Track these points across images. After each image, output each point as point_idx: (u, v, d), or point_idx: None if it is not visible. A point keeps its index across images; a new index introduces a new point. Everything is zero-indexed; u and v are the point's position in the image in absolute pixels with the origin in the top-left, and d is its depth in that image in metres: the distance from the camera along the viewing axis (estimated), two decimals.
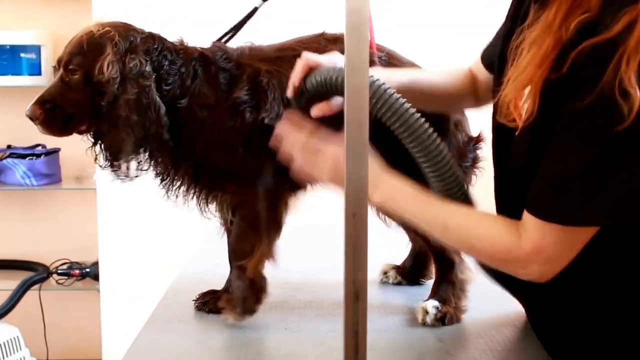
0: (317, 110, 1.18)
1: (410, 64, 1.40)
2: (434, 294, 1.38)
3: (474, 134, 1.40)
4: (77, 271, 3.03)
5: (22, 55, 3.00)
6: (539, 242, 1.01)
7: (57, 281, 3.05)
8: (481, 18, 2.55)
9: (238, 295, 1.33)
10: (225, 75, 1.30)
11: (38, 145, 3.11)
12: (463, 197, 1.11)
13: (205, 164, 1.30)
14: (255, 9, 1.45)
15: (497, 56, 1.19)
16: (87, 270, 3.02)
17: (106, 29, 1.26)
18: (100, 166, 1.30)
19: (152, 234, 2.82)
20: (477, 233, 1.07)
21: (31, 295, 2.96)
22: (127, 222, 2.83)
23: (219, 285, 1.43)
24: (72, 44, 1.27)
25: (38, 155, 3.07)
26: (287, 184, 1.36)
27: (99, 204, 2.84)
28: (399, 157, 1.12)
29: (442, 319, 1.33)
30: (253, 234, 1.32)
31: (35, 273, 3.00)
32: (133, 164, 1.29)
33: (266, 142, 1.28)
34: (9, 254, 3.22)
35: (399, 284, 1.58)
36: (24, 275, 2.96)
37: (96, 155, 1.31)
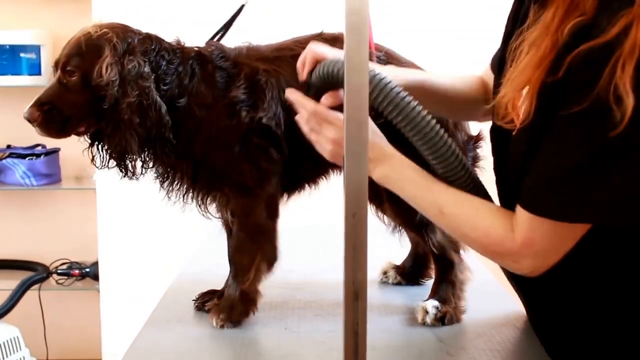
0: (324, 101, 1.18)
1: (410, 64, 1.40)
2: (433, 294, 1.38)
3: (474, 133, 1.40)
4: (76, 271, 3.03)
5: (22, 55, 3.00)
6: (530, 236, 1.02)
7: (56, 281, 3.05)
8: (480, 22, 2.56)
9: (226, 304, 1.33)
10: (223, 74, 1.30)
11: (38, 145, 3.11)
12: (472, 184, 1.12)
13: (204, 163, 1.30)
14: (242, 7, 1.45)
15: (498, 58, 1.20)
16: (87, 270, 3.02)
17: (104, 31, 1.25)
18: (97, 167, 1.30)
19: (152, 234, 2.82)
20: (472, 223, 1.09)
21: (31, 295, 2.96)
22: (127, 222, 2.83)
23: (219, 285, 1.43)
24: (69, 45, 1.27)
25: (38, 155, 3.07)
26: (286, 186, 1.37)
27: (99, 204, 2.84)
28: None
29: (442, 319, 1.33)
30: (252, 245, 1.33)
31: (35, 273, 3.00)
32: (137, 164, 1.29)
33: (264, 142, 1.28)
34: (9, 254, 3.22)
35: (398, 283, 1.58)
36: (24, 275, 2.96)
37: (93, 156, 1.31)
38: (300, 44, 1.32)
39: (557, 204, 0.99)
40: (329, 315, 1.38)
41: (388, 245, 1.54)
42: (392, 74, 1.12)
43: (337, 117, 1.14)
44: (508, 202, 1.09)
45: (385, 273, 1.60)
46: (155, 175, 1.34)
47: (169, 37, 1.33)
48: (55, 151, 3.11)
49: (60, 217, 3.23)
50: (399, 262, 1.60)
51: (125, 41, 1.25)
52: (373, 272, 1.58)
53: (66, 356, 3.23)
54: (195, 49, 1.33)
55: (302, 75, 1.20)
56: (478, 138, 1.40)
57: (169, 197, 1.34)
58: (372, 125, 1.15)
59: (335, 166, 1.37)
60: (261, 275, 1.34)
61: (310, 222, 1.96)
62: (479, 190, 1.13)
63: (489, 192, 1.15)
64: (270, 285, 1.37)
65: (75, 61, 1.24)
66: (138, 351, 1.24)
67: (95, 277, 2.95)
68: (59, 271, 3.04)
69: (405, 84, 1.13)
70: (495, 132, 1.17)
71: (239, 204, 1.32)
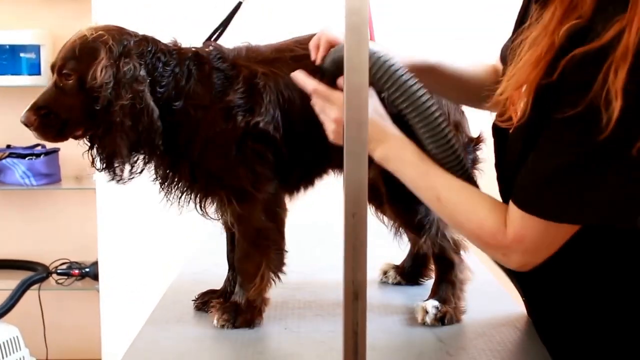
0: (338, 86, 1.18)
1: None
2: (433, 294, 1.38)
3: (474, 135, 1.40)
4: (76, 271, 3.03)
5: (22, 55, 3.01)
6: (520, 232, 1.03)
7: (56, 281, 3.05)
8: (480, 22, 2.56)
9: (230, 307, 1.33)
10: (220, 75, 1.29)
11: (37, 145, 3.11)
12: (461, 170, 1.12)
13: (201, 165, 1.29)
14: (239, 4, 1.44)
15: (505, 49, 1.20)
16: (87, 270, 3.02)
17: (99, 33, 1.24)
18: (97, 170, 1.30)
19: (151, 233, 2.82)
20: (467, 213, 1.10)
21: (31, 295, 2.96)
22: (127, 222, 2.83)
23: (219, 285, 1.43)
24: (65, 48, 1.26)
25: (37, 155, 3.07)
26: (285, 190, 1.36)
27: (99, 204, 2.84)
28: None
29: (441, 319, 1.33)
30: (256, 251, 1.31)
31: (34, 273, 3.00)
32: (127, 167, 1.28)
33: (260, 146, 1.27)
34: (9, 254, 3.22)
35: (398, 283, 1.58)
36: (24, 275, 2.96)
37: (93, 159, 1.31)
38: (300, 45, 1.31)
39: (549, 204, 1.00)
40: (329, 315, 1.38)
41: (388, 245, 1.54)
42: (408, 54, 1.12)
43: (338, 96, 1.13)
44: (509, 198, 1.10)
45: (385, 273, 1.60)
46: (155, 176, 1.33)
47: (168, 38, 1.32)
48: (55, 151, 3.11)
49: (60, 217, 3.23)
50: (398, 262, 1.60)
51: (121, 43, 1.24)
52: (373, 272, 1.58)
53: (66, 356, 3.23)
54: (193, 49, 1.31)
55: (317, 59, 1.20)
56: (478, 140, 1.39)
57: (168, 199, 1.34)
58: (375, 104, 1.15)
59: (335, 166, 1.37)
60: (267, 283, 1.32)
61: (309, 222, 1.95)
62: (469, 178, 1.14)
63: (482, 188, 1.16)
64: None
65: (71, 64, 1.23)
66: (138, 351, 1.24)
67: (95, 277, 2.95)
68: (58, 271, 3.04)
69: (412, 64, 1.13)
70: (496, 128, 1.18)
71: (236, 209, 1.30)
